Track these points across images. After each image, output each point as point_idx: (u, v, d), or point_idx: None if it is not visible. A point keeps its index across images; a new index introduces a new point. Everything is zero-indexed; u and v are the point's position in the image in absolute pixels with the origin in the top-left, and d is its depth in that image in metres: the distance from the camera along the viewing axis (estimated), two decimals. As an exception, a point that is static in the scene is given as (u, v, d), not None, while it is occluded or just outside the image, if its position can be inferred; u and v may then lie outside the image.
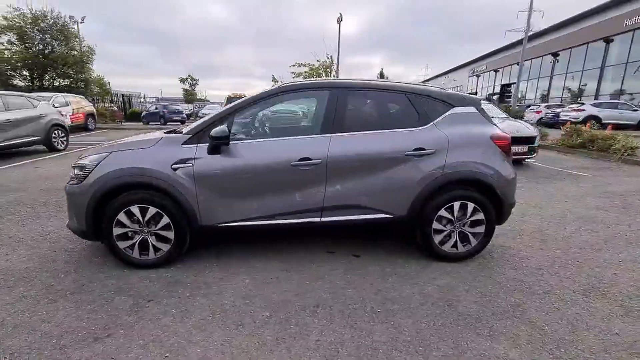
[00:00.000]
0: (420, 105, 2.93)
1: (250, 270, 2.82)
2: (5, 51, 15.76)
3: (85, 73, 18.83)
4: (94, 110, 15.73)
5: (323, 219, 2.85)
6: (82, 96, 15.66)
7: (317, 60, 20.11)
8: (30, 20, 15.75)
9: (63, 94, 14.16)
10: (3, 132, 7.54)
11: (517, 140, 7.41)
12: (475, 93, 44.93)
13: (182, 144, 2.72)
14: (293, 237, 3.45)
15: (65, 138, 9.46)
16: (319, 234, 3.51)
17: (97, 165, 2.67)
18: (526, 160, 8.08)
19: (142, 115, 22.31)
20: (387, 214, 2.89)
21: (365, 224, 2.91)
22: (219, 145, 2.67)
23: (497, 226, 3.06)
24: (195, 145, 2.71)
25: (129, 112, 24.05)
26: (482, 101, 3.29)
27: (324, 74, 20.44)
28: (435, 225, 2.91)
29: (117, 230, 2.70)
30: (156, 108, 22.15)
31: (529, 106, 24.79)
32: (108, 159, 2.70)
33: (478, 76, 45.13)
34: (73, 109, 13.79)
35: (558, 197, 5.17)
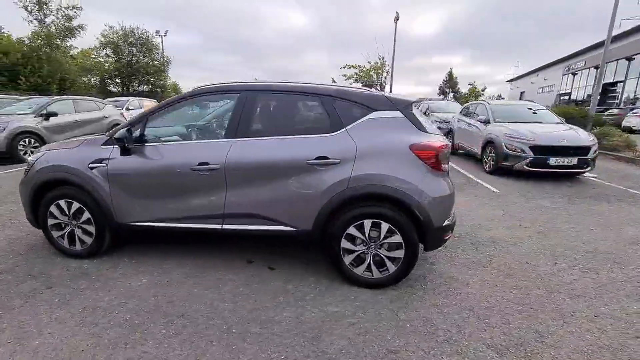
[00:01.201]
0: (334, 109, 2.62)
1: (155, 271, 2.87)
2: (105, 64, 19.04)
3: (162, 80, 21.66)
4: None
5: (224, 227, 2.75)
6: (155, 100, 17.96)
7: (368, 62, 19.63)
8: (122, 36, 18.79)
9: (138, 98, 16.40)
10: (71, 130, 9.05)
11: (562, 151, 6.18)
12: (570, 94, 38.83)
13: (102, 145, 2.90)
14: (224, 242, 3.40)
15: (124, 136, 10.91)
16: (251, 241, 3.40)
17: (35, 162, 3.02)
18: (583, 174, 6.68)
19: None
20: (291, 227, 2.65)
21: (267, 235, 2.72)
22: (126, 147, 2.77)
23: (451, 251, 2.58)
24: (112, 146, 2.86)
25: None
26: (426, 102, 2.80)
27: (374, 76, 19.87)
28: (345, 244, 2.57)
29: (50, 221, 3.01)
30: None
31: (633, 109, 20.43)
32: (43, 156, 3.02)
33: (574, 74, 38.78)
34: (145, 111, 15.84)
35: (584, 224, 4.13)
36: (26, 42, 14.32)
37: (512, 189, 5.86)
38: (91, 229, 2.96)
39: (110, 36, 18.69)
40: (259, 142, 2.67)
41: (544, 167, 6.27)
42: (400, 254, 2.52)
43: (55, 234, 3.03)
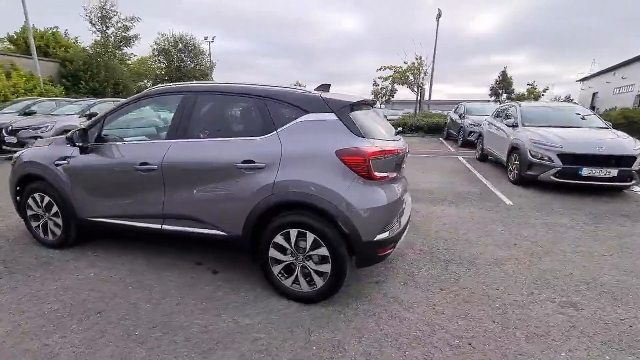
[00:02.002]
0: (268, 110, 2.50)
1: (107, 266, 2.97)
2: (157, 69, 20.84)
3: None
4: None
5: (164, 227, 2.77)
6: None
7: (405, 62, 18.80)
8: (172, 43, 20.42)
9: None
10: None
11: (598, 161, 5.33)
12: (653, 94, 33.80)
13: (67, 144, 3.09)
14: (183, 242, 3.43)
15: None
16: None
17: (18, 157, 3.32)
18: (628, 188, 5.69)
19: None
20: (222, 232, 2.59)
21: (201, 238, 2.68)
22: (78, 146, 2.92)
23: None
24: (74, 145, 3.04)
25: None
26: (367, 104, 2.55)
27: (411, 77, 19.00)
28: (273, 253, 2.44)
29: (29, 212, 3.29)
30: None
31: None
32: (25, 153, 3.31)
33: (660, 71, 33.46)
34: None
35: (596, 248, 3.48)
36: (88, 50, 16.29)
37: (530, 202, 5.18)
38: (59, 221, 3.18)
39: (162, 43, 20.46)
40: (193, 144, 2.65)
41: (575, 179, 5.44)
42: (327, 268, 2.32)
43: (33, 224, 3.31)
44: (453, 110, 14.95)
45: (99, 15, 15.84)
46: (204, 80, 22.84)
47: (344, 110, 2.39)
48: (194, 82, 3.00)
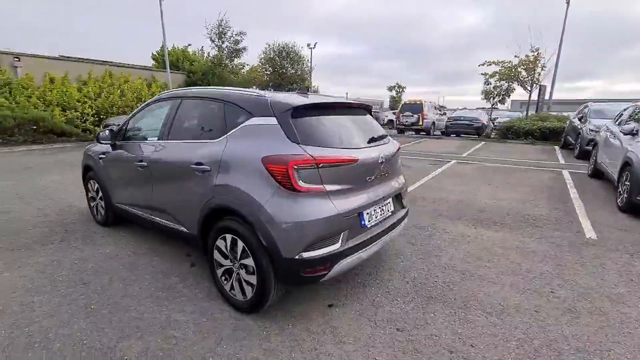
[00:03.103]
0: (224, 114, 2.52)
1: (124, 246, 3.48)
2: (264, 76, 23.31)
3: (306, 87, 24.31)
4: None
5: (152, 218, 3.11)
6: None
7: (516, 56, 15.85)
8: (277, 52, 22.50)
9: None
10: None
11: None
12: None
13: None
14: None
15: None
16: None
17: (85, 150, 4.20)
18: None
19: None
20: (185, 229, 2.74)
21: (172, 232, 2.89)
22: (111, 144, 3.52)
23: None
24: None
25: None
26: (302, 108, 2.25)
27: (524, 73, 15.93)
28: (216, 255, 2.46)
29: (89, 194, 4.16)
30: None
31: None
32: (88, 147, 4.17)
33: None
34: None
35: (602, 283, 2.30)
36: (207, 63, 19.51)
37: (628, 239, 3.79)
38: (103, 204, 3.90)
39: (269, 52, 22.82)
40: (169, 145, 2.88)
41: None
42: (254, 279, 2.20)
43: (91, 204, 4.16)
44: (576, 112, 12.08)
45: (217, 32, 18.76)
46: (300, 84, 24.47)
47: (286, 114, 2.22)
48: (186, 88, 3.27)
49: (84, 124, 12.72)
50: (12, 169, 7.30)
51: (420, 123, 17.46)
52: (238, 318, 2.32)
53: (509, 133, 14.75)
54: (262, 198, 2.07)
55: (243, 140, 2.32)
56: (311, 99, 2.46)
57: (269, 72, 23.24)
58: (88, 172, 4.08)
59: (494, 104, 33.26)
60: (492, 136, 16.47)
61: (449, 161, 9.29)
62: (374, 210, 2.51)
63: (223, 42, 19.18)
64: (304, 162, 2.04)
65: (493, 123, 18.89)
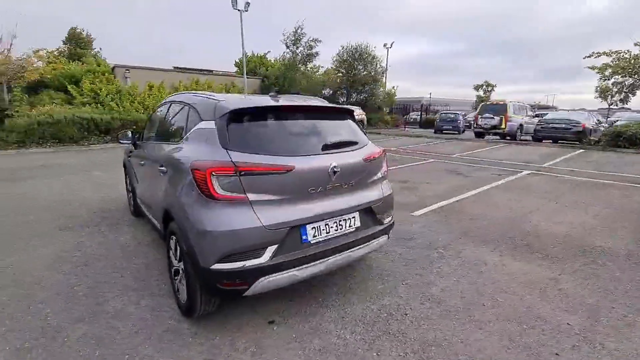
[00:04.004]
0: (187, 117, 2.59)
1: (146, 235, 3.89)
2: (337, 78, 23.53)
3: (377, 88, 23.79)
4: (364, 118, 19.80)
5: (147, 212, 3.38)
6: (359, 107, 20.19)
7: (636, 44, 12.45)
8: (351, 54, 22.48)
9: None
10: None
11: None
12: None
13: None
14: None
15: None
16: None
17: (125, 150, 4.80)
18: None
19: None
20: (159, 226, 2.89)
21: (156, 228, 3.08)
22: (132, 144, 3.94)
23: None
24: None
25: (424, 120, 26.14)
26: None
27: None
28: (170, 255, 2.53)
29: (127, 187, 4.76)
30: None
31: None
32: (126, 148, 4.74)
33: None
34: (347, 117, 18.32)
35: None
36: (280, 68, 20.67)
37: None
38: (131, 197, 4.42)
39: (342, 55, 22.91)
40: (152, 145, 3.13)
41: None
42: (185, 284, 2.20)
43: (128, 196, 4.75)
44: None
45: (292, 38, 19.68)
46: (373, 85, 23.92)
47: (223, 118, 2.15)
48: (178, 92, 3.45)
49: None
50: (108, 163, 8.84)
51: (503, 126, 15.36)
52: (178, 320, 2.34)
53: (619, 140, 11.87)
54: (188, 204, 2.05)
55: (190, 144, 2.34)
56: (260, 102, 2.34)
57: (341, 74, 23.34)
58: (124, 169, 4.67)
59: (611, 103, 27.39)
60: (600, 143, 13.48)
61: (521, 172, 7.94)
62: (325, 225, 2.25)
63: (297, 48, 20.05)
64: (222, 169, 1.94)
65: (603, 126, 15.41)
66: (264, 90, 20.00)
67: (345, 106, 2.79)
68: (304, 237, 2.15)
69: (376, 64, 23.02)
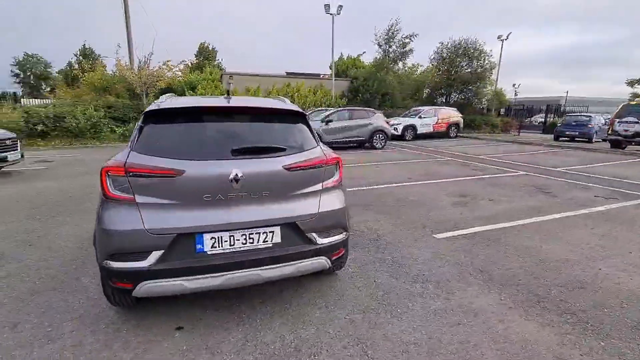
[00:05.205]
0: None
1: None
2: (435, 77, 21.62)
3: (483, 87, 20.68)
4: (460, 121, 17.60)
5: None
6: (454, 108, 18.07)
7: None
8: (452, 50, 20.24)
9: (435, 107, 17.49)
10: (341, 132, 12.17)
11: None
12: None
13: None
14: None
15: (384, 140, 12.77)
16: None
17: None
18: None
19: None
20: None
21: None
22: None
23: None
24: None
25: (549, 123, 21.97)
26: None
27: None
28: None
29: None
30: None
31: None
32: None
33: None
34: (438, 119, 16.72)
35: None
36: (371, 68, 20.23)
37: None
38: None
39: (441, 52, 20.82)
40: None
41: None
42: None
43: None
44: None
45: (385, 37, 18.95)
46: (479, 84, 20.97)
47: (143, 119, 2.19)
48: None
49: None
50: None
51: (654, 134, 11.49)
52: (100, 310, 2.44)
53: None
54: (99, 201, 2.17)
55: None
56: (187, 103, 2.29)
57: (440, 73, 21.36)
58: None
59: None
60: None
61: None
62: (229, 237, 2.07)
63: (390, 46, 19.24)
64: (114, 169, 1.98)
65: None
66: (351, 91, 19.95)
67: (293, 108, 2.49)
68: (198, 247, 2.03)
69: (484, 60, 20.19)
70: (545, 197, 5.78)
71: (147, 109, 2.21)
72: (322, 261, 2.31)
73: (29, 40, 65.18)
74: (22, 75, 42.12)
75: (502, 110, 25.27)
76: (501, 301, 2.59)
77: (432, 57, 21.43)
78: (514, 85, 40.07)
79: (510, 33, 22.39)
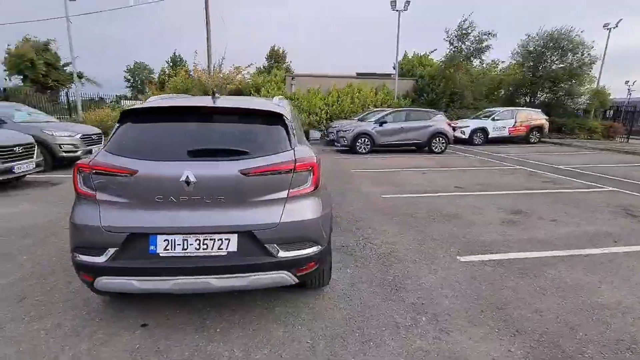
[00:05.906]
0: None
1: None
2: (519, 75, 19.03)
3: (577, 85, 17.30)
4: (544, 124, 15.13)
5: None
6: (537, 110, 15.62)
7: None
8: (540, 43, 17.49)
9: (513, 109, 15.37)
10: (396, 134, 11.51)
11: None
12: None
13: None
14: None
15: (444, 144, 11.71)
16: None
17: None
18: None
19: None
20: None
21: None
22: None
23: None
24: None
25: None
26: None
27: None
28: None
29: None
30: None
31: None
32: None
33: None
34: (515, 123, 14.71)
35: None
36: (437, 67, 18.66)
37: None
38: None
39: (527, 45, 18.03)
40: None
41: None
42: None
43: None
44: None
45: (458, 34, 17.27)
46: (573, 81, 17.72)
47: (120, 119, 2.26)
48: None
49: (319, 125, 16.27)
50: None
51: None
52: (91, 295, 2.58)
53: None
54: None
55: None
56: (159, 103, 2.29)
57: (524, 69, 18.73)
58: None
59: None
60: None
61: None
62: (183, 240, 2.02)
63: (464, 43, 17.51)
64: (84, 166, 2.06)
65: None
66: (416, 91, 18.74)
67: (271, 109, 2.32)
68: (151, 248, 2.01)
69: (582, 52, 17.05)
70: (630, 221, 4.57)
71: (125, 109, 2.28)
72: (284, 276, 2.11)
73: (138, 51, 78.84)
74: (132, 81, 49.69)
75: (610, 112, 21.15)
76: (509, 352, 2.05)
77: (514, 52, 18.91)
78: (626, 82, 33.45)
79: (621, 20, 18.69)
